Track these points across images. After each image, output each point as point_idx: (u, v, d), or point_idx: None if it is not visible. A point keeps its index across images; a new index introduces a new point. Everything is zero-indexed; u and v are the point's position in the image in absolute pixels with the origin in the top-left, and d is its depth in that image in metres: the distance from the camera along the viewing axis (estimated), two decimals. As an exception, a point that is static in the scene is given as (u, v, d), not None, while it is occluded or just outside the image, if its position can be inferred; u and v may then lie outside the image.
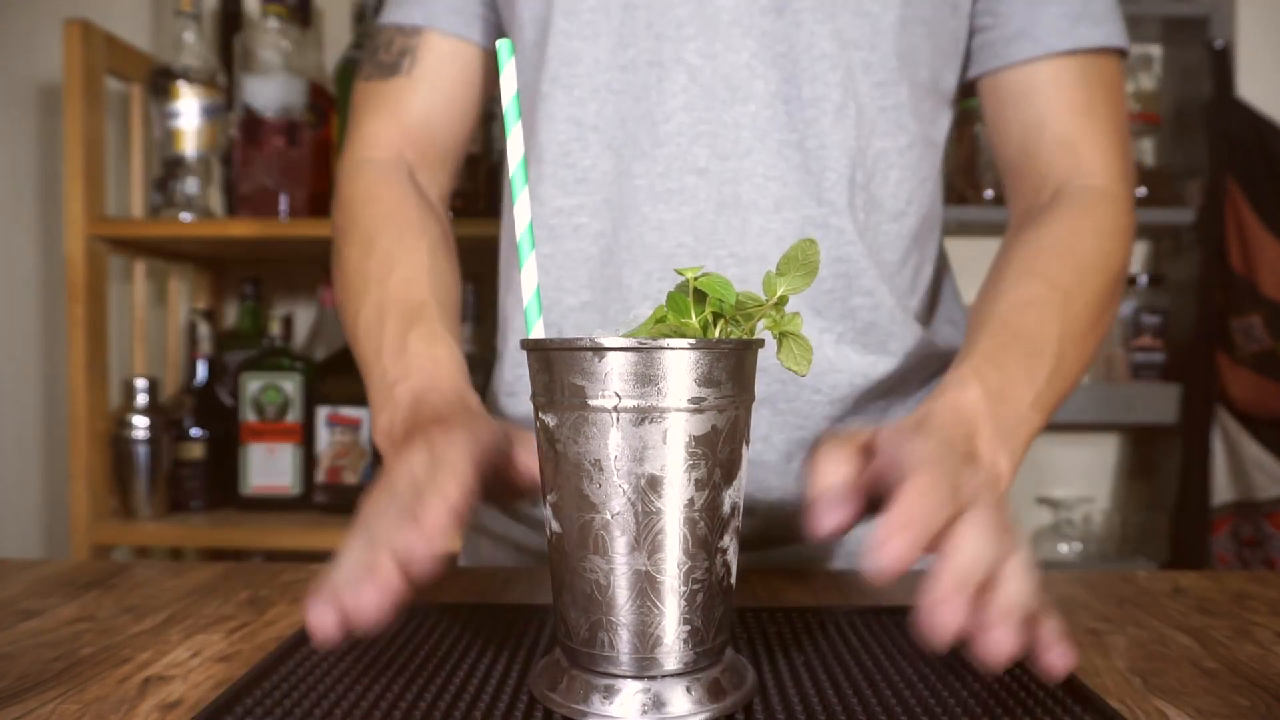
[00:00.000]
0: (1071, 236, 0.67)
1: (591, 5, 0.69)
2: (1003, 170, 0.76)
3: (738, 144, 0.68)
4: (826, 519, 0.45)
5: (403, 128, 0.76)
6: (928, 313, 0.78)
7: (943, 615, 0.38)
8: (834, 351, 0.70)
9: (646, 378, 0.38)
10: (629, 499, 0.39)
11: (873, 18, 0.68)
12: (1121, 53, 0.74)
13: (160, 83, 1.48)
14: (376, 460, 1.48)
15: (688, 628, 0.40)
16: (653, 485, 0.39)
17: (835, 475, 0.47)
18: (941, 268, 0.81)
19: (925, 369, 0.76)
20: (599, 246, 0.71)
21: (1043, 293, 0.64)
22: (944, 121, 0.76)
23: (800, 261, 0.41)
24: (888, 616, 0.54)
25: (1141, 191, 1.67)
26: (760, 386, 0.69)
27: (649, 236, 0.69)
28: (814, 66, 0.68)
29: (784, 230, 0.68)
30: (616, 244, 0.70)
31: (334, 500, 1.48)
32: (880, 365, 0.71)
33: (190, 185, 1.49)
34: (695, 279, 0.41)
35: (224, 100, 1.52)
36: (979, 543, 0.41)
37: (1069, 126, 0.71)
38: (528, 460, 0.51)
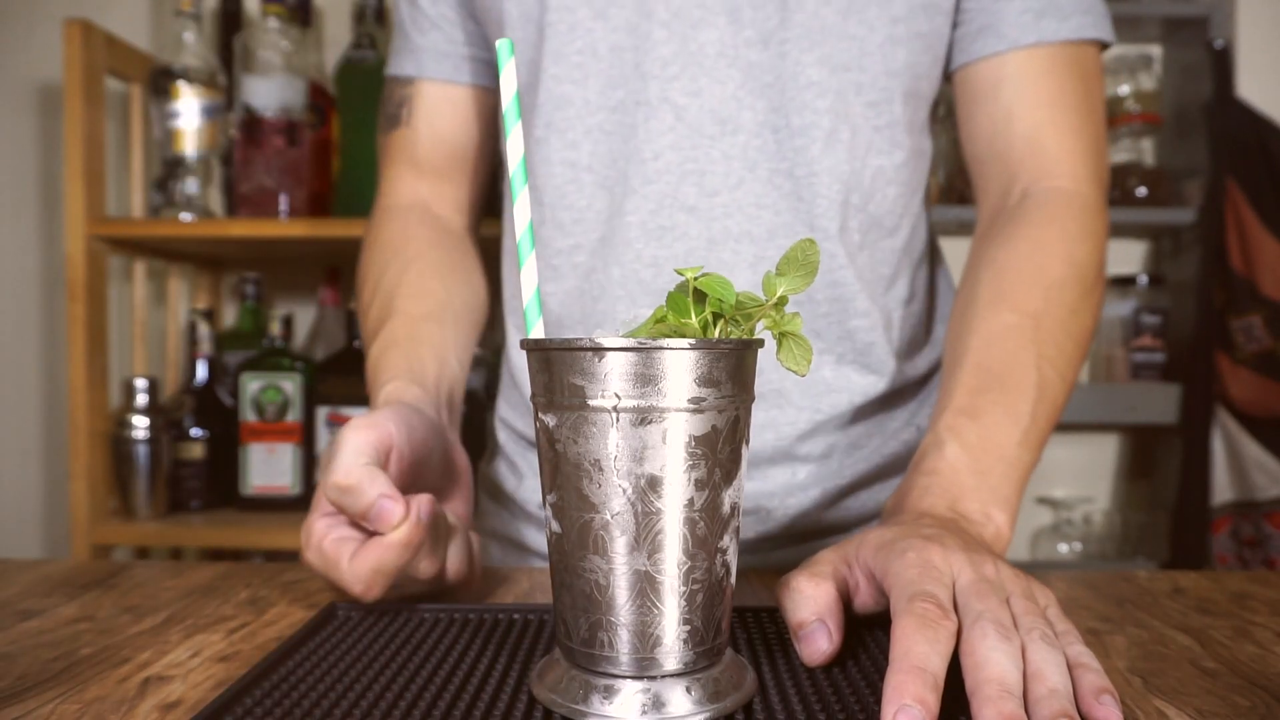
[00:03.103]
0: (1037, 251, 0.67)
1: (579, 48, 0.69)
2: (970, 164, 0.75)
3: (728, 177, 0.68)
4: (815, 648, 0.45)
5: (415, 171, 0.81)
6: (926, 317, 0.78)
7: None
8: (833, 373, 0.71)
9: (646, 378, 0.38)
10: (629, 499, 0.39)
11: (859, 40, 0.68)
12: (1101, 44, 0.72)
13: (160, 83, 1.48)
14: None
15: (687, 628, 0.40)
16: (652, 485, 0.39)
17: (813, 601, 0.46)
18: (934, 266, 0.81)
19: (924, 374, 0.76)
20: (592, 283, 0.72)
21: (1012, 321, 0.64)
22: (929, 130, 0.76)
23: (800, 262, 0.41)
24: (888, 617, 0.54)
25: (1141, 191, 1.67)
26: (757, 413, 0.70)
27: (643, 273, 0.70)
28: (802, 95, 0.68)
29: (777, 258, 0.68)
30: (609, 280, 0.71)
31: (334, 500, 1.48)
32: (881, 382, 0.72)
33: (190, 185, 1.49)
34: (695, 279, 0.41)
35: (224, 100, 1.52)
36: (995, 646, 0.39)
37: (1036, 120, 0.70)
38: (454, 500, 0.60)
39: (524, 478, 0.79)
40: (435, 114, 0.80)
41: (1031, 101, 0.70)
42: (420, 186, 0.81)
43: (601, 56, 0.69)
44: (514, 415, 0.81)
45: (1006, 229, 0.69)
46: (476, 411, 1.46)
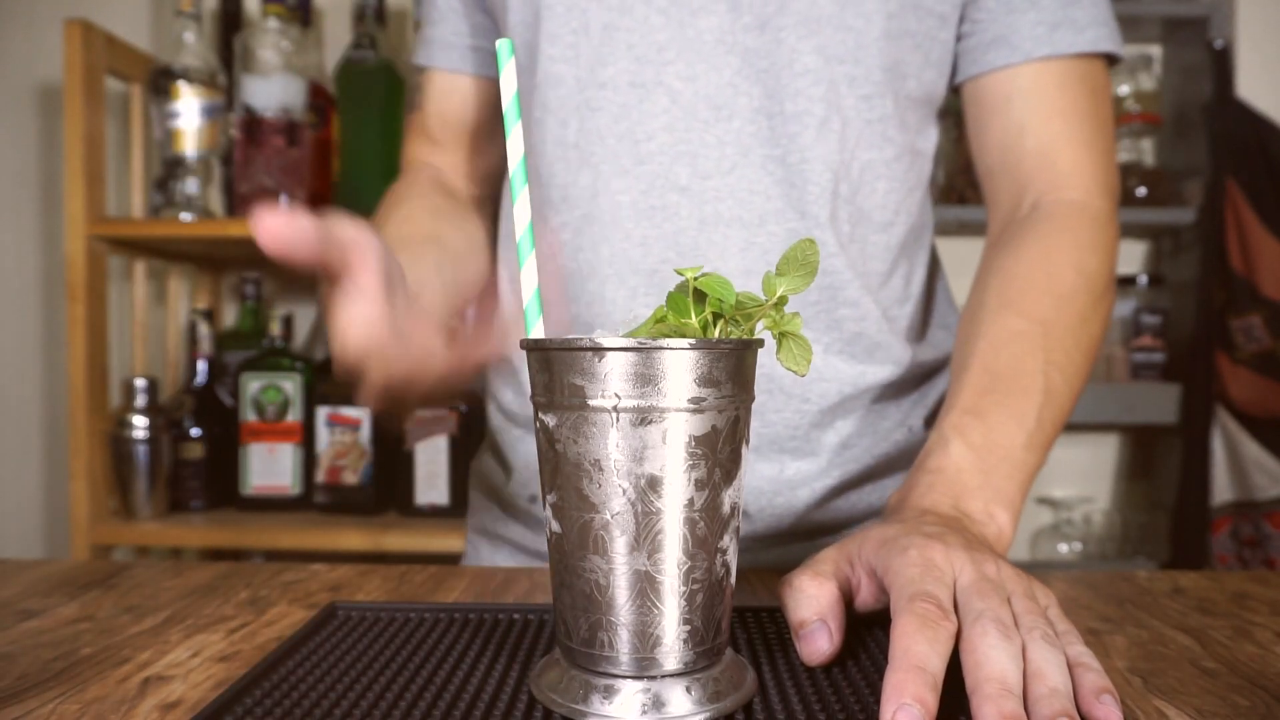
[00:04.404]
0: (1047, 260, 0.67)
1: (574, 28, 0.70)
2: (981, 176, 0.76)
3: (721, 161, 0.68)
4: (815, 647, 0.45)
5: (429, 144, 0.87)
6: (921, 319, 0.78)
7: None
8: (821, 361, 0.71)
9: (646, 378, 0.38)
10: (629, 499, 0.39)
11: (856, 32, 0.68)
12: (1110, 58, 0.73)
13: (160, 83, 1.48)
14: (376, 460, 1.48)
15: (687, 628, 0.40)
16: (652, 485, 0.39)
17: (815, 600, 0.46)
18: (934, 273, 0.81)
19: (918, 374, 0.76)
20: (579, 261, 0.72)
21: (1021, 327, 0.64)
22: (931, 132, 0.76)
23: (800, 261, 0.41)
24: (887, 616, 0.54)
25: (1141, 191, 1.67)
26: None
27: (633, 253, 0.70)
28: (796, 82, 0.68)
29: (768, 244, 0.69)
30: (598, 259, 0.71)
31: (334, 500, 1.48)
32: (870, 374, 0.72)
33: (190, 185, 1.49)
34: (695, 279, 0.41)
35: (224, 100, 1.52)
36: (996, 645, 0.40)
37: (1048, 133, 0.71)
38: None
39: (512, 472, 0.79)
40: (441, 100, 0.85)
41: (1044, 115, 0.71)
42: (432, 155, 0.86)
43: (594, 34, 0.70)
44: (505, 390, 0.80)
45: (1016, 238, 0.70)
46: (478, 410, 1.46)
